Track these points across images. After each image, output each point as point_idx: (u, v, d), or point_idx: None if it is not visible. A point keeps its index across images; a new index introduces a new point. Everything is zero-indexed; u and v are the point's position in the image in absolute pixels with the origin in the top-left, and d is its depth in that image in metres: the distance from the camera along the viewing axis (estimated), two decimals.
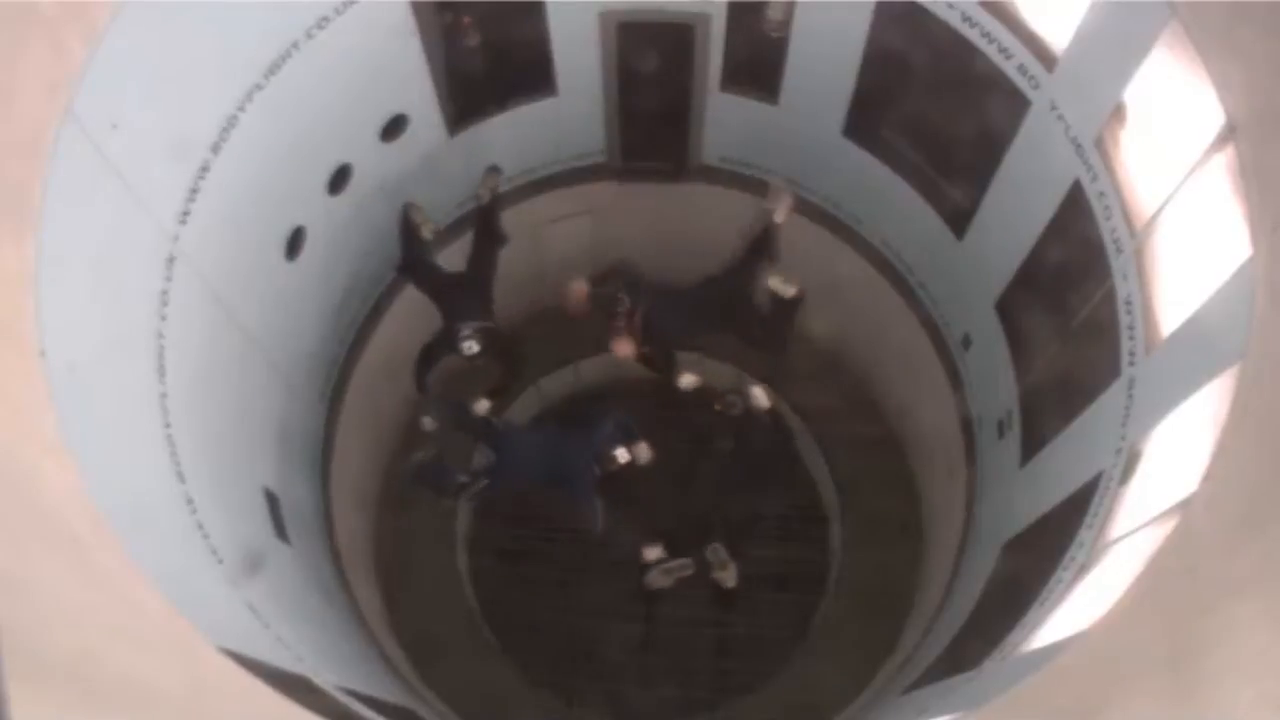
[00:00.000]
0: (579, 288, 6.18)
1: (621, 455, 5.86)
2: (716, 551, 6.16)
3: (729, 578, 6.23)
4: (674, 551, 6.23)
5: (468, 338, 6.00)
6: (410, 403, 7.37)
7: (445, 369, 6.53)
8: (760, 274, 6.23)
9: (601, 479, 5.91)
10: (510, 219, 6.70)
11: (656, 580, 6.23)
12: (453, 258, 6.44)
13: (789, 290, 6.13)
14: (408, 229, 6.16)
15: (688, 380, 6.28)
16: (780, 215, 6.08)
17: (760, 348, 6.71)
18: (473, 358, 6.09)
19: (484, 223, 6.31)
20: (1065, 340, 5.07)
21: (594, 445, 5.89)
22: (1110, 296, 4.37)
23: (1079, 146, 4.42)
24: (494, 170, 6.27)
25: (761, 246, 6.19)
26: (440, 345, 6.21)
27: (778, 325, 6.41)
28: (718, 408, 6.24)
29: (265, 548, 4.62)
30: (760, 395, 6.28)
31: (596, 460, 5.86)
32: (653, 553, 6.19)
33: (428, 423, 6.02)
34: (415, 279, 6.34)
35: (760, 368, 7.83)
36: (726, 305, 6.31)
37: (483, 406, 6.25)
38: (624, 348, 6.19)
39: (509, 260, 7.00)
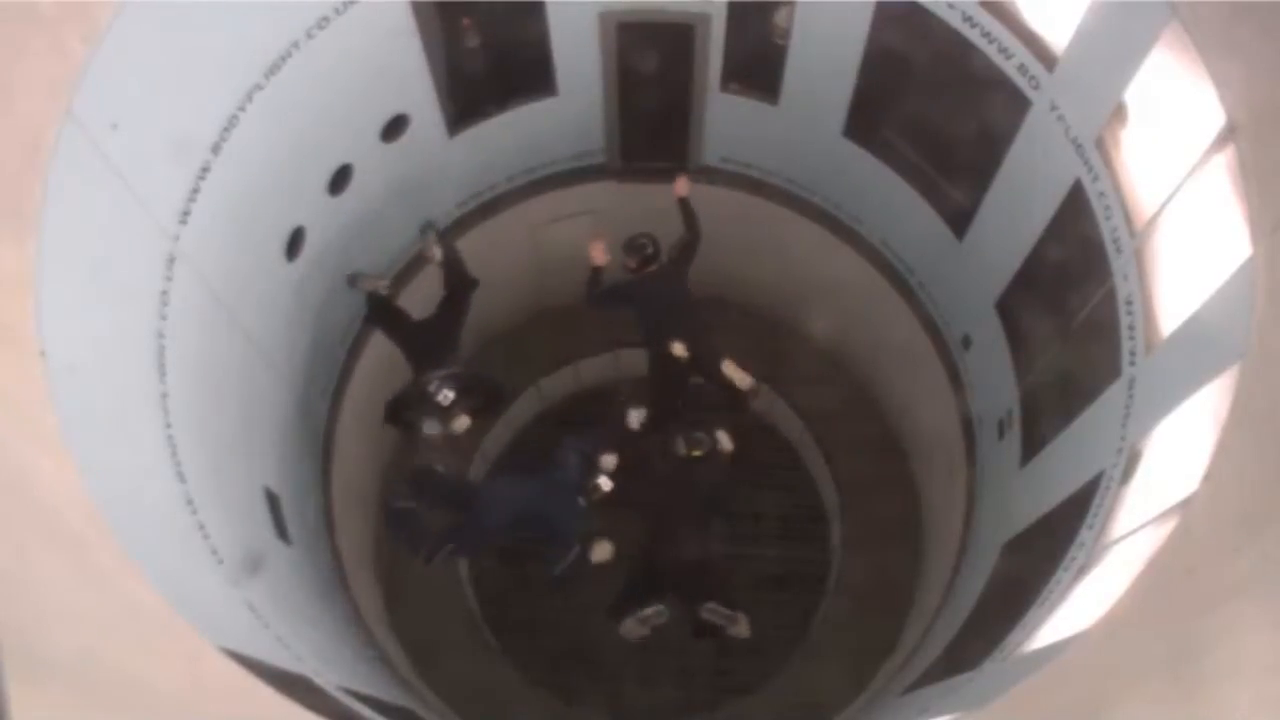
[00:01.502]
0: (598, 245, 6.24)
1: (605, 484, 5.94)
2: (715, 611, 6.07)
3: (741, 629, 6.14)
4: (646, 597, 6.16)
5: (440, 387, 6.03)
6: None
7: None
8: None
9: (587, 510, 5.95)
10: (510, 219, 6.72)
11: (633, 630, 6.19)
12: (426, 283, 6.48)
13: (740, 380, 6.29)
14: (369, 296, 6.19)
15: (678, 349, 6.29)
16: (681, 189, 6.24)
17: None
18: (451, 406, 6.09)
19: (449, 276, 6.35)
20: (1065, 340, 5.07)
21: (576, 484, 5.93)
22: (1110, 296, 4.37)
23: (1079, 146, 4.42)
24: (429, 227, 6.36)
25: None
26: (411, 398, 6.19)
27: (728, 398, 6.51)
28: (691, 451, 6.25)
29: (265, 548, 4.61)
30: (725, 439, 6.35)
31: (582, 494, 5.91)
32: (602, 551, 6.08)
33: (400, 503, 6.07)
34: (382, 328, 6.35)
35: (758, 367, 7.85)
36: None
37: (462, 424, 6.23)
38: (599, 253, 6.20)
39: (509, 260, 7.03)
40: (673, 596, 6.19)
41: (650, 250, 6.22)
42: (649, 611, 6.11)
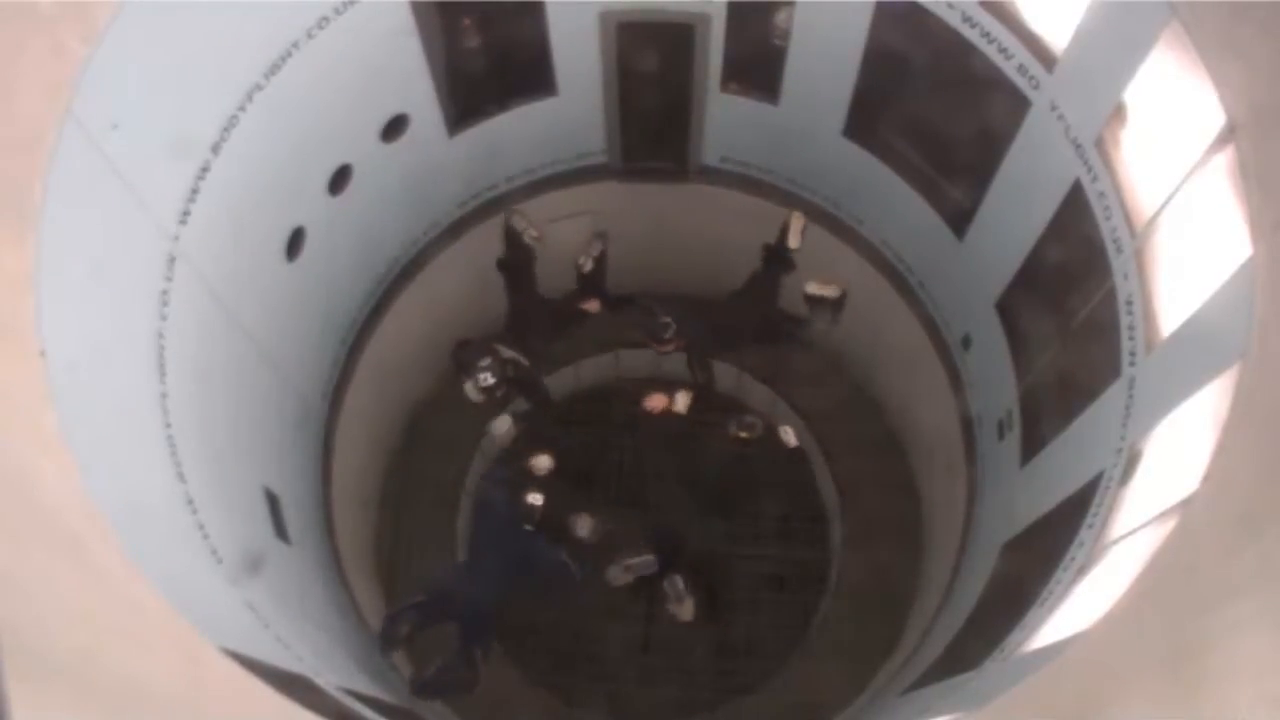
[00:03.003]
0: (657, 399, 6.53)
1: (535, 499, 5.96)
2: (674, 584, 6.11)
3: (684, 611, 6.19)
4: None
5: (490, 367, 6.15)
6: (409, 403, 7.40)
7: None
8: (779, 284, 6.51)
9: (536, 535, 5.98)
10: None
11: (617, 577, 6.20)
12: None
13: (830, 291, 6.50)
14: (511, 235, 6.34)
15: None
16: (794, 240, 6.43)
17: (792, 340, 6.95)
18: (488, 388, 6.19)
19: (589, 285, 6.63)
20: (1065, 340, 5.07)
21: (510, 517, 5.96)
22: (1110, 296, 4.37)
23: (1079, 146, 4.42)
24: (601, 235, 6.64)
25: (776, 260, 6.50)
26: (471, 354, 6.32)
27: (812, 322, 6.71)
28: (739, 432, 6.30)
29: (265, 548, 4.62)
30: (789, 433, 6.49)
31: (523, 522, 5.93)
32: (583, 526, 6.17)
33: (394, 647, 6.01)
34: (508, 279, 6.55)
35: (762, 367, 7.85)
36: (756, 318, 6.64)
37: (503, 424, 6.49)
38: (658, 401, 6.51)
39: None
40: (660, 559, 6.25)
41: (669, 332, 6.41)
42: (637, 560, 6.15)
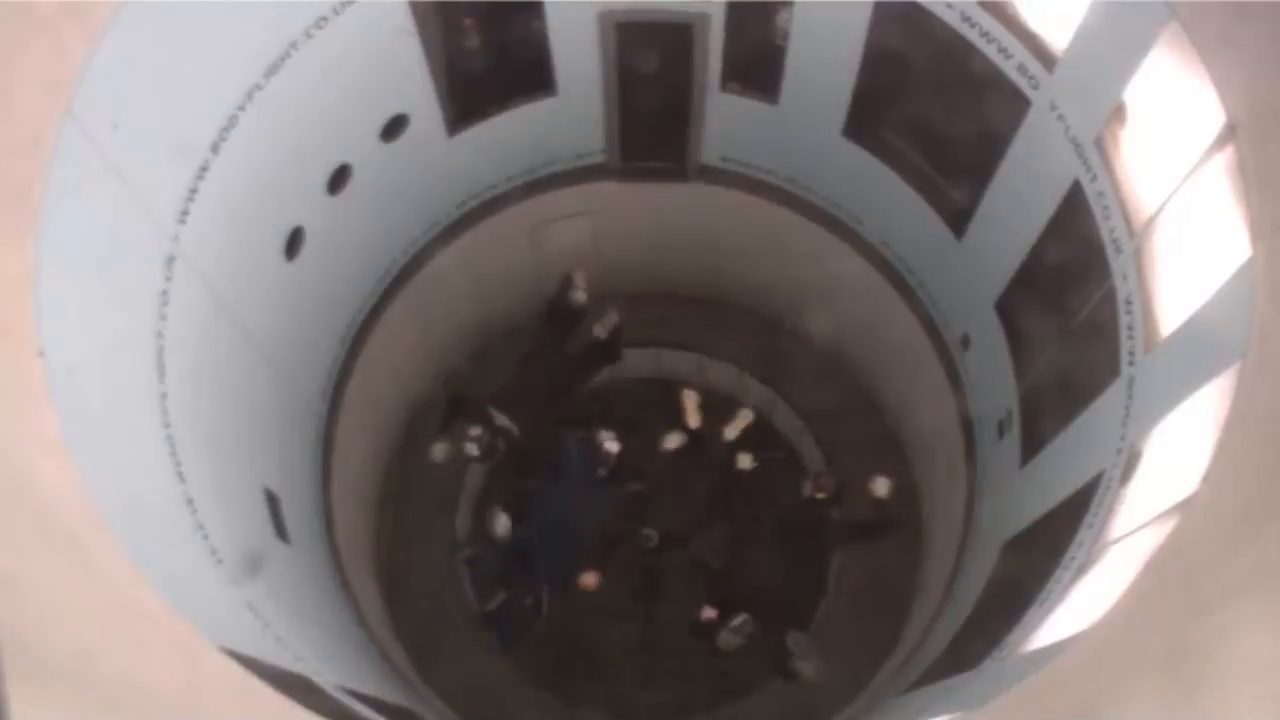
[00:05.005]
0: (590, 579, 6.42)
1: (612, 446, 6.14)
2: (798, 642, 6.18)
3: (809, 668, 6.24)
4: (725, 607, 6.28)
5: (480, 436, 6.22)
6: (409, 403, 7.39)
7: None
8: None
9: (610, 480, 6.12)
10: (510, 219, 6.72)
11: (728, 641, 6.30)
12: None
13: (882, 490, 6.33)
14: (565, 284, 6.49)
15: None
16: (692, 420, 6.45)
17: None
18: (474, 456, 6.29)
19: (606, 346, 6.66)
20: (1065, 340, 5.08)
21: (584, 466, 6.10)
22: (1110, 296, 4.37)
23: (1079, 146, 4.42)
24: (617, 304, 6.62)
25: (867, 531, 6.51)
26: (461, 412, 6.42)
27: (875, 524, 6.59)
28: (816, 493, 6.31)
29: (265, 548, 4.62)
30: (883, 485, 6.35)
31: (598, 465, 6.05)
32: (709, 612, 6.22)
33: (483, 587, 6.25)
34: (555, 328, 6.63)
35: (758, 366, 7.86)
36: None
37: (502, 524, 6.36)
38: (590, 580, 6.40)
39: (509, 260, 7.03)
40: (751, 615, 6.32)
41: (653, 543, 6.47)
42: (739, 622, 6.22)
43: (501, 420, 6.28)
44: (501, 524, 6.35)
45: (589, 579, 6.24)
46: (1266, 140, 3.23)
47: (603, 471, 6.13)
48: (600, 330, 6.77)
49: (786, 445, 8.07)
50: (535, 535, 6.32)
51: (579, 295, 6.55)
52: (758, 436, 6.94)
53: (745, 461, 6.47)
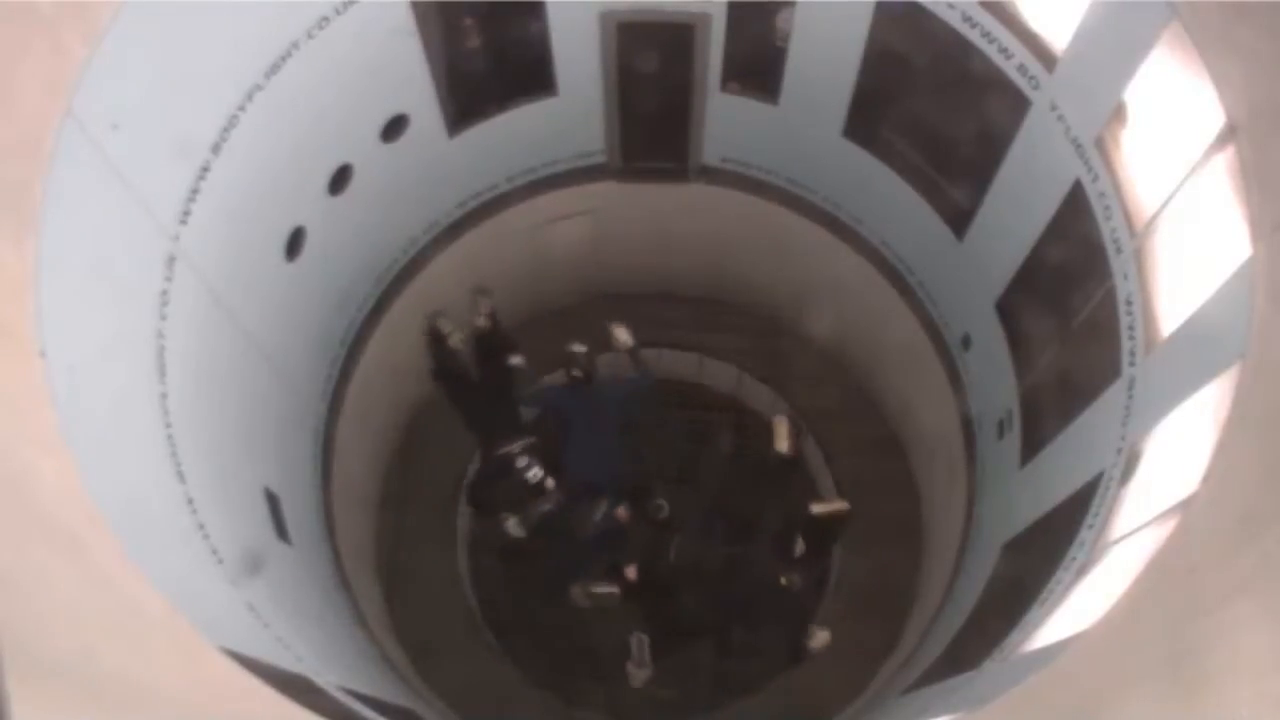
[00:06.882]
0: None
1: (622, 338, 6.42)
2: (641, 645, 6.16)
3: (637, 676, 6.25)
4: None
5: (528, 463, 6.14)
6: (409, 403, 7.40)
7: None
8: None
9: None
10: (510, 219, 6.72)
11: (578, 598, 6.36)
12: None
13: (838, 507, 6.38)
14: (435, 338, 6.38)
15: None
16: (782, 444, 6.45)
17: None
18: (540, 483, 6.17)
19: (487, 348, 6.54)
20: (1065, 340, 5.07)
21: (569, 389, 6.37)
22: (1110, 296, 4.37)
23: (1079, 146, 4.42)
24: (482, 291, 6.50)
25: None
26: (494, 475, 6.33)
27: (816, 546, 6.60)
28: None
29: (265, 548, 4.61)
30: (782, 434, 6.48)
31: (572, 371, 6.37)
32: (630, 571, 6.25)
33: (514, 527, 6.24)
34: (447, 387, 6.57)
35: (758, 367, 7.85)
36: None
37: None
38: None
39: (509, 260, 7.03)
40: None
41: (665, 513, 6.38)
42: (603, 592, 6.27)
43: (515, 450, 6.28)
44: (515, 525, 6.39)
45: (629, 571, 6.25)
46: (1266, 140, 3.23)
47: (577, 372, 6.40)
48: (480, 318, 6.66)
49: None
50: (575, 464, 6.42)
51: (455, 339, 6.51)
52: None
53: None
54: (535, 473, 6.15)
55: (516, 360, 6.61)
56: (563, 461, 6.46)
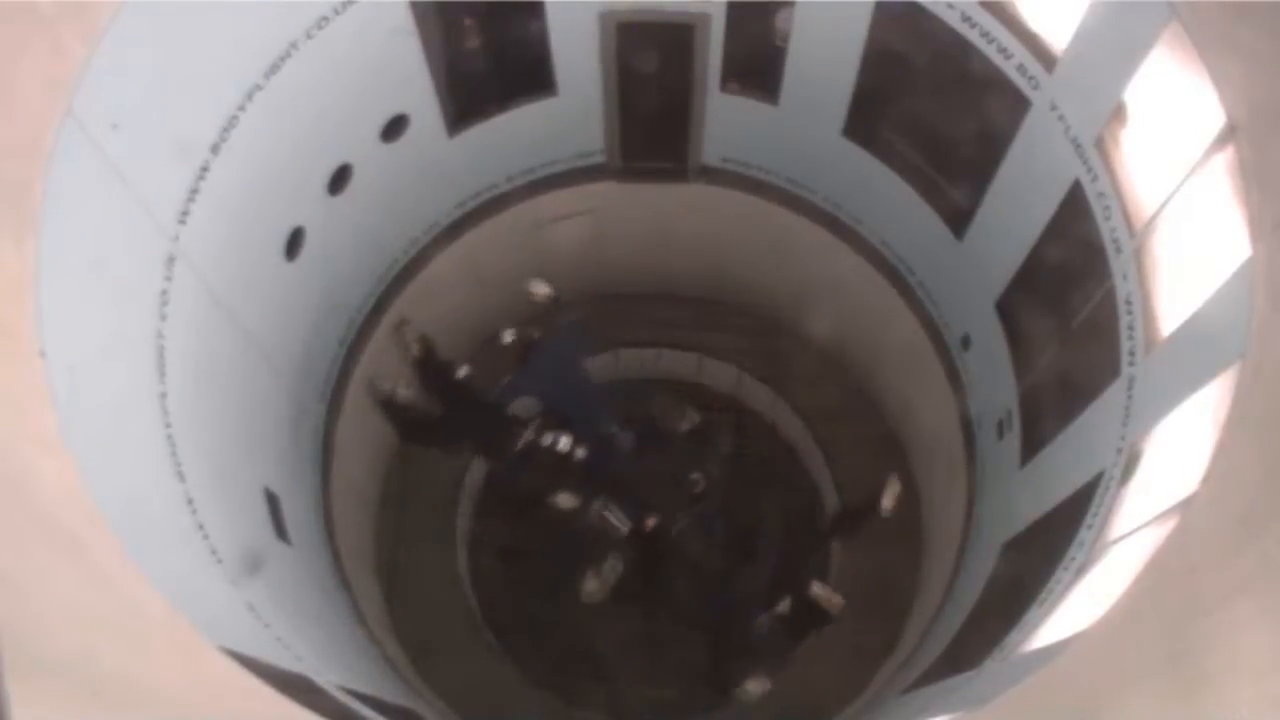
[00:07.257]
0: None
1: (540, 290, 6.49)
2: (615, 568, 6.42)
3: (591, 593, 6.52)
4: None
5: (553, 437, 6.23)
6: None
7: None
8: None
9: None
10: (510, 219, 6.72)
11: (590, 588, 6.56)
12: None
13: (834, 601, 6.45)
14: (385, 402, 6.41)
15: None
16: (889, 502, 6.50)
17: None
18: (572, 449, 6.26)
19: (434, 375, 6.52)
20: (1065, 340, 5.08)
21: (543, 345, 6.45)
22: (1110, 296, 4.37)
23: (1079, 146, 4.42)
24: (402, 323, 6.44)
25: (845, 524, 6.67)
26: (528, 464, 6.37)
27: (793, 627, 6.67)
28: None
29: (265, 548, 4.61)
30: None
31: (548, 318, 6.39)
32: (566, 500, 6.41)
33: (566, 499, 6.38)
34: (418, 438, 6.72)
35: (758, 367, 7.85)
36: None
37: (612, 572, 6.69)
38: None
39: (509, 260, 7.03)
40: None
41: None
42: (608, 566, 6.42)
43: (527, 432, 6.32)
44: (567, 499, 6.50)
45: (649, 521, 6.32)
46: (1266, 140, 3.24)
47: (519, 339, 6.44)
48: (411, 344, 6.60)
49: (787, 446, 8.09)
50: (577, 416, 6.48)
51: (402, 393, 6.49)
52: None
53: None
54: (564, 442, 6.21)
55: (465, 371, 6.59)
56: (570, 420, 6.51)
